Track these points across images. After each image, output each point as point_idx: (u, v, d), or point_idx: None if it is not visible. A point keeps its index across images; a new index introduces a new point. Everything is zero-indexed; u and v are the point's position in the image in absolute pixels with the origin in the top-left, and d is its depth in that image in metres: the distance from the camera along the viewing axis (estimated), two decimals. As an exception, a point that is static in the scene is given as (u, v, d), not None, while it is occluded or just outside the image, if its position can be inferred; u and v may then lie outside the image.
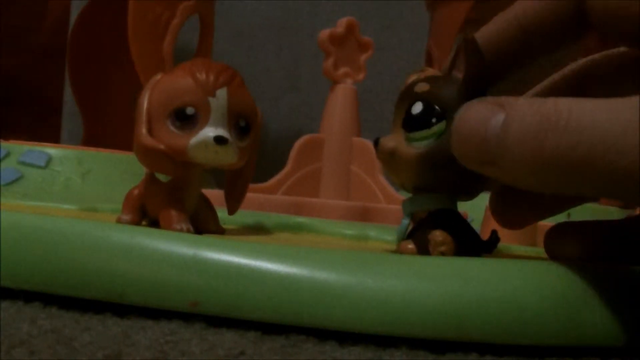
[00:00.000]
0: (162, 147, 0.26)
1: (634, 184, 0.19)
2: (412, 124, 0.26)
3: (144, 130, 0.26)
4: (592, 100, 0.20)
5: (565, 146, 0.20)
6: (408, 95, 0.26)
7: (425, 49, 0.69)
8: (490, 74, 0.26)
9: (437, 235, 0.25)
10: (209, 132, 0.26)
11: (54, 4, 0.81)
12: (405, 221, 0.27)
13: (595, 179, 0.20)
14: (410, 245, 0.26)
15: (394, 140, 0.26)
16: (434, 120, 0.25)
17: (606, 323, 0.22)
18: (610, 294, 0.23)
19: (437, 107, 0.25)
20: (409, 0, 0.90)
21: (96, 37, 0.75)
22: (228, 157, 0.26)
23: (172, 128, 0.26)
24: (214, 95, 0.26)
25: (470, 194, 0.27)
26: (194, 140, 0.26)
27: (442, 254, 0.25)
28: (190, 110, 0.26)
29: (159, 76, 0.27)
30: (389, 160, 0.26)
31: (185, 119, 0.26)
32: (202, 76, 0.26)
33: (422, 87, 0.26)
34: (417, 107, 0.26)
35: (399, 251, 0.26)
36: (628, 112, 0.19)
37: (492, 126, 0.22)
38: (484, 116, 0.22)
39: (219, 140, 0.26)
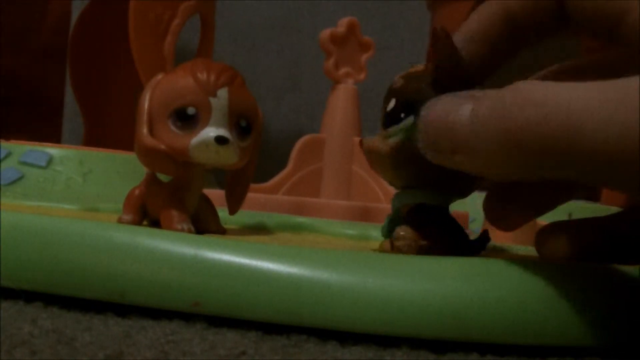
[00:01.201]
0: (162, 147, 0.26)
1: (610, 164, 0.19)
2: (386, 121, 0.26)
3: (144, 131, 0.26)
4: (563, 82, 0.20)
5: (534, 121, 0.20)
6: (389, 93, 0.26)
7: (427, 49, 0.69)
8: (478, 68, 0.26)
9: (398, 230, 0.25)
10: (210, 132, 0.26)
11: (55, 5, 0.81)
12: (387, 219, 0.27)
13: (568, 158, 0.20)
14: (387, 244, 0.26)
15: (374, 139, 0.26)
16: (402, 115, 0.25)
17: (606, 322, 0.22)
18: (611, 293, 0.23)
19: (406, 103, 0.25)
20: (410, 0, 0.90)
21: (97, 37, 0.75)
22: (229, 157, 0.27)
23: (173, 128, 0.26)
24: (215, 95, 0.26)
25: (461, 193, 0.26)
26: (195, 140, 0.26)
27: (399, 250, 0.25)
28: (191, 110, 0.26)
29: (159, 76, 0.27)
30: (370, 158, 0.26)
31: (186, 119, 0.26)
32: (203, 76, 0.26)
33: (397, 83, 0.26)
34: (391, 104, 0.26)
35: (379, 250, 0.26)
36: (595, 91, 0.19)
37: (459, 114, 0.22)
38: (451, 107, 0.22)
39: (219, 140, 0.26)
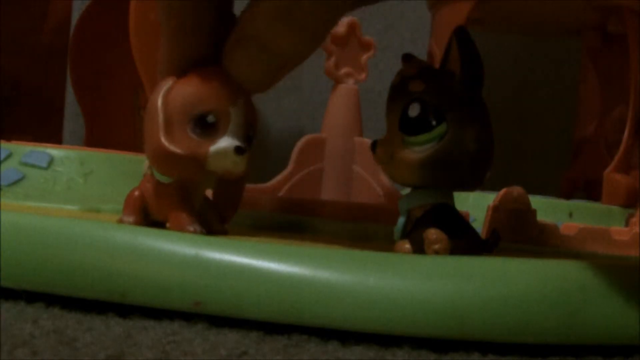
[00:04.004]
0: (182, 152, 0.26)
1: None
2: (410, 127, 0.25)
3: (162, 137, 0.26)
4: None
5: None
6: (402, 94, 0.26)
7: (427, 49, 0.69)
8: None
9: (432, 233, 0.25)
10: (230, 141, 0.26)
11: (55, 5, 0.81)
12: (402, 219, 0.26)
13: None
14: (407, 245, 0.26)
15: (392, 143, 0.26)
16: (434, 122, 0.25)
17: (608, 321, 0.22)
18: (612, 292, 0.23)
19: (436, 108, 0.25)
20: (410, 0, 0.90)
21: (98, 38, 0.75)
22: (241, 167, 0.27)
23: (191, 134, 0.26)
24: (235, 104, 0.26)
25: (471, 187, 0.26)
26: (214, 148, 0.26)
27: (436, 252, 0.24)
28: (211, 118, 0.26)
29: (170, 81, 0.27)
30: (388, 162, 0.26)
31: (206, 127, 0.26)
32: (223, 84, 0.26)
33: (417, 86, 0.25)
34: (415, 109, 0.25)
35: (395, 251, 0.26)
36: None
37: None
38: None
39: (238, 150, 0.26)
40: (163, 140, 0.26)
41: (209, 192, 0.30)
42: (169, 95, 0.26)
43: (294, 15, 0.25)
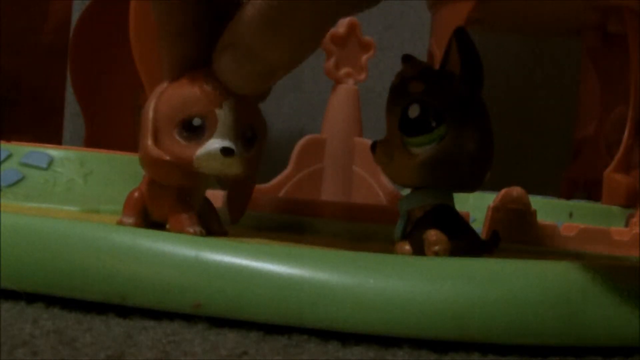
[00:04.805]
0: (167, 158, 0.26)
1: None
2: (410, 129, 0.25)
3: (150, 142, 0.26)
4: None
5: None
6: (402, 95, 0.26)
7: (427, 49, 0.69)
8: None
9: (432, 234, 0.25)
10: (216, 143, 0.26)
11: (56, 5, 0.81)
12: (402, 220, 0.26)
13: None
14: (407, 247, 0.26)
15: (392, 143, 0.26)
16: (434, 123, 0.25)
17: (608, 322, 0.22)
18: (612, 293, 0.23)
19: (436, 109, 0.25)
20: (410, 0, 0.90)
21: (98, 38, 0.75)
22: (234, 169, 0.26)
23: (178, 139, 0.26)
24: (220, 107, 0.26)
25: (471, 189, 0.26)
26: (200, 151, 0.26)
27: (436, 253, 0.24)
28: (197, 122, 0.26)
29: (164, 85, 0.27)
30: (388, 163, 0.26)
31: (192, 130, 0.26)
32: (208, 86, 0.26)
33: (417, 87, 0.25)
34: (415, 110, 0.25)
35: (395, 252, 0.26)
36: None
37: None
38: None
39: (225, 151, 0.26)
40: (150, 146, 0.26)
41: (210, 193, 0.30)
42: (160, 100, 0.27)
43: (283, 24, 0.24)
